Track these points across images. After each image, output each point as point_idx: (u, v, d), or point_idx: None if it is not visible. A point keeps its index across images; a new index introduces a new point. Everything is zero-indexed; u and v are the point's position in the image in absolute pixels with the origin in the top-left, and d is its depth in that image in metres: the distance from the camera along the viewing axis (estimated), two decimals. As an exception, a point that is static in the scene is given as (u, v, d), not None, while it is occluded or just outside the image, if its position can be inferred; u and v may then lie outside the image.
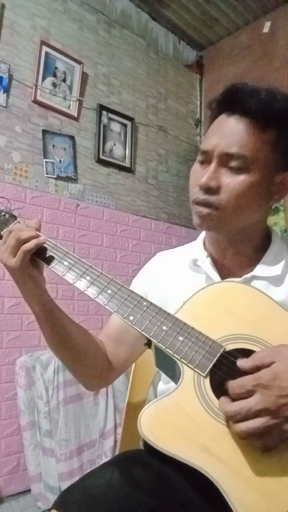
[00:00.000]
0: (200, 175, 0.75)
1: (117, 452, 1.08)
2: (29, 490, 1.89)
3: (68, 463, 1.82)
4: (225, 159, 0.72)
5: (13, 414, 1.95)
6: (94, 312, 2.32)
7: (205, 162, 0.75)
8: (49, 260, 0.76)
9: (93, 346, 0.85)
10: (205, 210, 0.74)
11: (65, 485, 1.75)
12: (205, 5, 2.80)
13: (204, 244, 0.87)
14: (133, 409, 1.02)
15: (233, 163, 0.71)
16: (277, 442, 0.57)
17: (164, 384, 0.87)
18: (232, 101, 0.74)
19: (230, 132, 0.72)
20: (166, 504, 0.64)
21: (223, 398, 0.61)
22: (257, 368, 0.60)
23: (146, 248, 2.67)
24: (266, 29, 2.85)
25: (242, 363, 0.62)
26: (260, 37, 2.90)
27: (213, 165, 0.73)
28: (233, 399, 0.59)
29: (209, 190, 0.73)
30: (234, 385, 0.60)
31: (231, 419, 0.59)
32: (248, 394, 0.58)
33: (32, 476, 1.85)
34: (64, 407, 1.86)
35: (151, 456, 0.64)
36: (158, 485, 0.65)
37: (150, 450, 0.62)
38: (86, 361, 0.83)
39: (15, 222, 0.82)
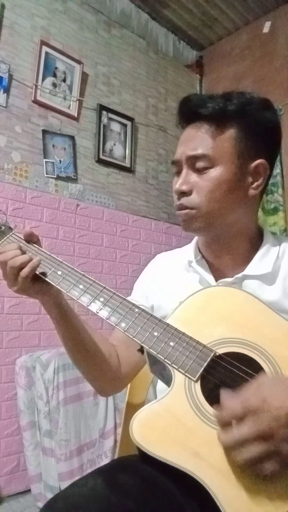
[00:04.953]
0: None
1: (117, 452, 1.08)
2: (29, 490, 1.89)
3: (68, 463, 1.82)
4: (191, 162, 0.77)
5: (13, 414, 1.95)
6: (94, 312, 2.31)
7: (178, 172, 0.81)
8: (43, 272, 0.78)
9: (106, 350, 0.86)
10: (184, 213, 0.78)
11: (65, 485, 1.75)
12: (205, 5, 2.80)
13: (198, 245, 0.88)
14: (133, 409, 1.02)
15: (199, 164, 0.76)
16: (277, 466, 0.55)
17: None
18: (186, 113, 0.80)
19: (192, 138, 0.78)
20: (152, 508, 0.63)
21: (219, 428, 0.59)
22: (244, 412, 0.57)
23: (146, 248, 2.67)
24: (266, 29, 2.85)
25: (228, 398, 0.59)
26: (260, 37, 2.90)
27: (183, 171, 0.79)
28: (222, 427, 0.58)
29: (183, 194, 0.78)
30: (224, 414, 0.58)
31: (229, 448, 0.57)
32: (238, 420, 0.56)
33: (32, 476, 1.85)
34: (64, 407, 1.86)
35: (143, 462, 0.64)
36: (145, 491, 0.65)
37: (143, 455, 0.62)
38: (100, 365, 0.84)
39: (11, 234, 0.83)
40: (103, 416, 2.02)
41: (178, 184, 0.78)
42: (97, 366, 0.85)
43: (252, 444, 0.55)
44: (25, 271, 0.74)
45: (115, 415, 2.05)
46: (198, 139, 0.76)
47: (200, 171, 0.76)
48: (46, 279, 0.77)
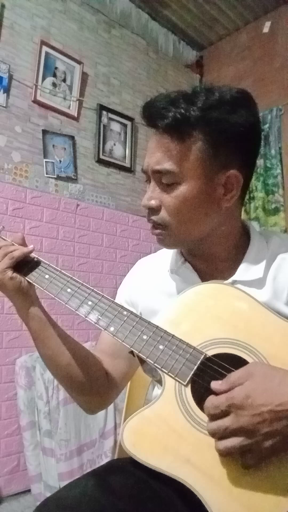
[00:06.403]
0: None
1: (117, 452, 1.08)
2: (29, 490, 1.89)
3: (68, 463, 1.82)
4: (157, 177, 0.72)
5: (13, 414, 1.94)
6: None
7: (147, 181, 0.76)
8: (30, 274, 0.77)
9: (90, 361, 0.83)
10: (155, 231, 0.75)
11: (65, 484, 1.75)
12: (205, 5, 2.80)
13: (181, 251, 0.84)
14: (132, 409, 1.02)
15: (164, 179, 0.71)
16: (257, 459, 0.57)
17: None
18: (148, 120, 0.72)
19: (155, 149, 0.72)
20: (145, 509, 0.63)
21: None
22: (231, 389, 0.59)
23: (146, 248, 2.67)
24: (266, 29, 2.85)
25: (216, 386, 0.60)
26: (260, 37, 2.90)
27: (151, 184, 0.74)
28: (210, 419, 0.59)
29: (152, 210, 0.74)
30: (208, 405, 0.59)
31: (212, 436, 0.59)
32: (223, 414, 0.57)
33: (32, 476, 1.85)
34: (64, 407, 1.86)
35: (137, 464, 0.64)
36: (138, 493, 0.64)
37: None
38: (84, 377, 0.80)
39: None
40: (103, 416, 2.02)
41: (146, 199, 0.73)
42: (79, 378, 0.80)
43: (234, 435, 0.56)
44: (15, 253, 0.74)
45: (115, 415, 2.05)
46: (161, 152, 0.70)
47: (166, 186, 0.71)
48: (34, 283, 0.76)
